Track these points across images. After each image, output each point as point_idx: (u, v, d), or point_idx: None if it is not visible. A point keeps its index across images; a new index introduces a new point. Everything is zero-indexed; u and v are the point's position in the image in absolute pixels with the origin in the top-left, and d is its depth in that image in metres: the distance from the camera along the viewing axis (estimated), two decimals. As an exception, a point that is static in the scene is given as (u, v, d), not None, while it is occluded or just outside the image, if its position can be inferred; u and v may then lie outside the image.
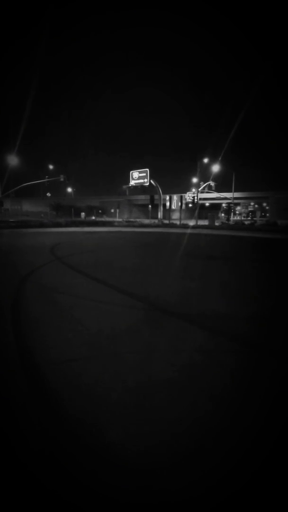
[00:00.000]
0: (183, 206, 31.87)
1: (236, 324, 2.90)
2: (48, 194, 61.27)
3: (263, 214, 59.00)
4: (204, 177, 36.19)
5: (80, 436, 1.39)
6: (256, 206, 68.62)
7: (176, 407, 1.61)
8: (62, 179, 35.45)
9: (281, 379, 1.93)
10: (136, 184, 37.10)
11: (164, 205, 36.65)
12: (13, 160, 32.49)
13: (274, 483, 1.17)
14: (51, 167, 42.13)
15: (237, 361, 2.13)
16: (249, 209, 69.79)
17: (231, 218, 39.85)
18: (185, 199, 35.80)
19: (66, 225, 24.48)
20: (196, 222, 29.66)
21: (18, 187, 34.10)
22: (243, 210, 68.75)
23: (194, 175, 37.07)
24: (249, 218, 49.47)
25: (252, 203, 69.99)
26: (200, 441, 1.37)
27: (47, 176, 36.79)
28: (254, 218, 45.09)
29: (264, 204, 66.43)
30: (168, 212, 36.22)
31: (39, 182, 36.30)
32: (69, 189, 62.12)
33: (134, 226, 27.34)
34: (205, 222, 29.97)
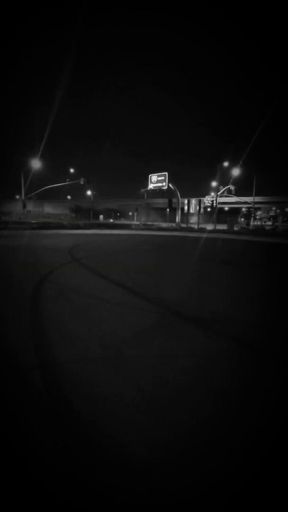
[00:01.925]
0: (202, 210, 31.54)
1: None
2: (69, 197, 62.99)
3: (285, 219, 56.99)
4: (224, 181, 35.66)
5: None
6: (278, 211, 66.46)
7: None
8: (82, 182, 36.34)
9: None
10: (155, 188, 37.23)
11: (182, 209, 36.48)
12: (36, 164, 33.75)
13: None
14: (72, 170, 43.33)
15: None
16: (271, 213, 67.72)
17: (251, 223, 38.88)
18: (204, 203, 35.43)
19: (85, 227, 25.00)
20: (214, 226, 29.19)
21: (40, 189, 35.34)
22: (264, 215, 66.85)
23: (213, 179, 36.63)
24: (270, 223, 47.95)
25: (273, 208, 67.91)
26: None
27: (68, 179, 37.86)
28: (276, 223, 43.67)
29: (287, 209, 64.20)
30: (186, 216, 36.00)
31: (60, 185, 37.41)
32: (89, 192, 63.53)
33: (151, 230, 27.41)
34: (223, 227, 29.43)
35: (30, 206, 43.65)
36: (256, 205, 51.70)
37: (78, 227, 24.83)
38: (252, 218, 42.24)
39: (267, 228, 32.34)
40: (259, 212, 65.00)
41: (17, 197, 48.07)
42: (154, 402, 1.67)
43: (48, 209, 73.63)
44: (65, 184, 37.21)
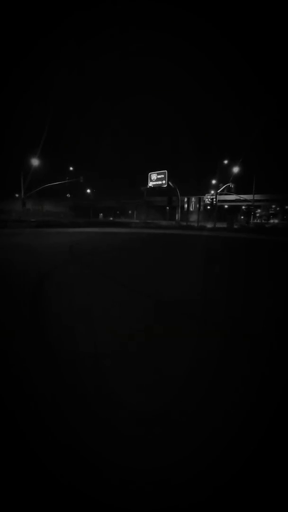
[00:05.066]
0: (201, 208, 31.52)
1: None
2: (68, 195, 62.87)
3: (285, 217, 56.93)
4: (224, 179, 35.58)
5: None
6: (278, 208, 66.32)
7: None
8: (81, 181, 36.29)
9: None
10: (154, 186, 37.20)
11: (182, 207, 36.46)
12: (35, 162, 33.67)
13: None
14: (71, 168, 43.26)
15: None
16: (270, 211, 67.59)
17: (251, 221, 38.88)
18: (204, 201, 35.41)
19: (84, 225, 25.01)
20: (214, 224, 29.19)
21: (40, 188, 35.28)
22: (264, 212, 66.71)
23: (213, 177, 36.56)
24: (270, 221, 47.95)
25: (273, 206, 67.74)
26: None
27: (67, 178, 37.80)
28: (275, 221, 43.66)
29: (287, 207, 64.00)
30: (186, 214, 35.98)
31: (60, 184, 37.33)
32: (88, 190, 63.39)
33: (151, 228, 27.42)
34: (223, 225, 29.43)
35: (29, 205, 43.58)
36: (256, 203, 51.62)
37: (77, 225, 24.84)
38: (252, 216, 42.24)
39: (267, 226, 32.34)
40: (259, 210, 64.87)
41: (17, 195, 48.01)
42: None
43: (48, 207, 73.41)
44: (64, 182, 37.16)
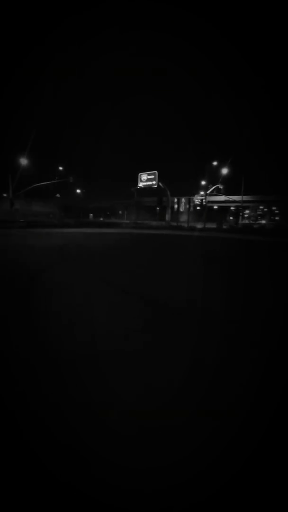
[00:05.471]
0: (191, 208, 31.83)
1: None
2: (58, 195, 62.03)
3: (272, 218, 58.20)
4: (213, 180, 36.03)
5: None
6: (265, 210, 67.69)
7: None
8: (71, 180, 35.96)
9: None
10: (145, 186, 37.28)
11: (172, 208, 36.70)
12: (24, 161, 33.11)
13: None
14: (61, 168, 42.73)
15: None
16: (258, 212, 68.91)
17: (240, 222, 39.54)
18: (193, 201, 35.74)
19: (74, 226, 24.78)
20: (204, 225, 29.53)
21: (28, 188, 34.71)
22: (252, 213, 67.94)
23: (203, 178, 36.96)
24: (258, 222, 48.92)
25: (261, 207, 69.08)
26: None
27: (56, 178, 37.35)
28: (263, 222, 44.57)
29: (274, 208, 65.44)
30: (176, 214, 36.23)
31: (49, 183, 36.83)
32: (78, 190, 62.79)
33: (141, 228, 27.45)
34: (213, 225, 29.80)
35: (18, 205, 42.75)
36: (245, 204, 52.50)
37: (67, 225, 24.58)
38: (240, 217, 42.96)
39: (254, 226, 32.96)
40: (247, 211, 65.98)
41: (5, 195, 47.00)
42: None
43: (37, 207, 72.24)
44: (54, 182, 36.71)
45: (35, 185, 34.88)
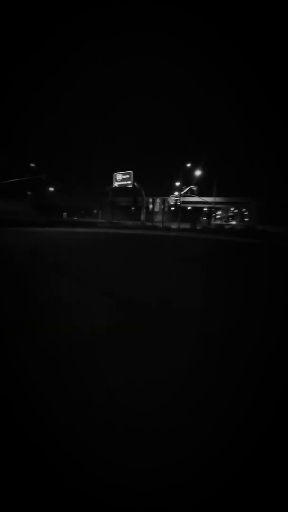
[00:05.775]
0: (166, 209, 32.31)
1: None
2: (29, 193, 59.52)
3: (242, 219, 60.98)
4: (187, 182, 36.90)
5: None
6: (236, 211, 70.69)
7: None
8: (44, 178, 34.74)
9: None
10: (120, 186, 37.14)
11: (147, 208, 36.99)
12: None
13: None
14: (32, 165, 41.06)
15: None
16: (229, 214, 71.77)
17: (212, 222, 40.90)
18: (168, 202, 36.32)
19: (47, 225, 23.96)
20: (179, 225, 30.13)
21: (-4, 184, 32.95)
22: (223, 214, 70.56)
23: (177, 179, 37.68)
24: (229, 223, 50.99)
25: (232, 208, 72.02)
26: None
27: (27, 175, 35.85)
28: (234, 223, 46.51)
29: (244, 210, 68.60)
30: (151, 214, 36.55)
31: (19, 180, 35.25)
32: (51, 189, 60.78)
33: (116, 228, 27.30)
34: (187, 225, 30.50)
35: (-17, 202, 40.32)
36: (217, 205, 54.39)
37: (39, 224, 23.70)
38: (213, 218, 44.45)
39: (226, 227, 34.30)
40: (219, 212, 68.40)
41: None
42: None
43: (6, 205, 68.81)
44: (25, 179, 35.22)
45: (2, 182, 33.17)
